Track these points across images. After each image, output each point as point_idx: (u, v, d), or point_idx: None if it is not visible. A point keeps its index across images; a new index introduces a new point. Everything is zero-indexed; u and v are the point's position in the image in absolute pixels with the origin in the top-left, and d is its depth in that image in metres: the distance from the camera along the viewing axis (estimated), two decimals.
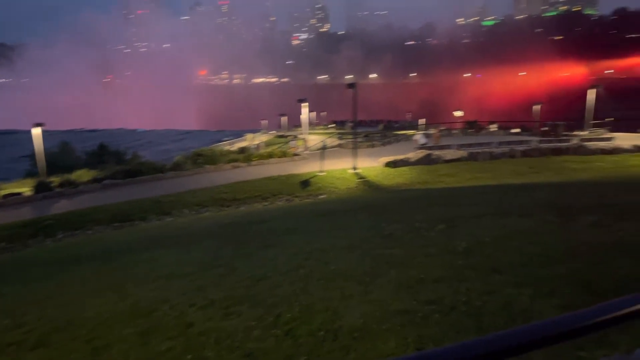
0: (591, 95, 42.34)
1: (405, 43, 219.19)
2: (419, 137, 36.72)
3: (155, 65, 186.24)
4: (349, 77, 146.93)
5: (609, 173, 23.49)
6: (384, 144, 42.27)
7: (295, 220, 14.54)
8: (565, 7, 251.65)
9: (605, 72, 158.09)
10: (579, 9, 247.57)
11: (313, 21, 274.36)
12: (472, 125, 53.68)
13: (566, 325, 1.39)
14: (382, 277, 6.72)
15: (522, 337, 1.32)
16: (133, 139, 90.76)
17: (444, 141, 38.44)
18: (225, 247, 10.74)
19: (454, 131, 52.17)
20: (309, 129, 44.09)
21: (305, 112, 40.39)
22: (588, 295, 5.11)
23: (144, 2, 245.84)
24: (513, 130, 49.83)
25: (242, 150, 38.74)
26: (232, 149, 41.63)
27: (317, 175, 28.43)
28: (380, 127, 64.12)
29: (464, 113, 62.33)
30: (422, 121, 63.40)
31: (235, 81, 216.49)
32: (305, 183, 26.91)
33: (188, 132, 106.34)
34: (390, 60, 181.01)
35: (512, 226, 9.14)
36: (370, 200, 18.82)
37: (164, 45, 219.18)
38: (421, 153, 31.67)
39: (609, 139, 35.34)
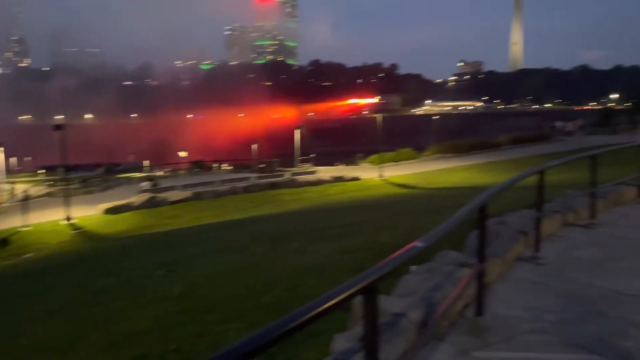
0: (297, 135, 48.40)
1: (123, 83, 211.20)
2: (144, 183, 35.56)
3: None
4: (59, 118, 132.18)
5: (314, 202, 26.96)
6: (103, 189, 39.14)
7: None
8: (271, 57, 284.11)
9: (309, 114, 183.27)
10: (283, 58, 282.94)
11: (9, 54, 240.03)
12: (197, 165, 54.66)
13: (252, 345, 1.62)
14: (86, 341, 6.02)
15: None
16: None
17: (170, 182, 37.99)
18: None
19: (180, 171, 52.14)
20: (9, 177, 37.70)
21: None
22: None
23: None
24: (227, 168, 52.98)
25: None
26: None
27: (20, 232, 24.34)
28: (100, 170, 59.48)
29: (190, 153, 63.13)
30: (146, 163, 61.40)
31: None
32: (4, 242, 22.68)
33: None
34: (108, 100, 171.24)
35: (227, 263, 9.47)
36: (85, 253, 17.00)
37: None
38: (145, 196, 30.50)
39: (313, 172, 40.78)
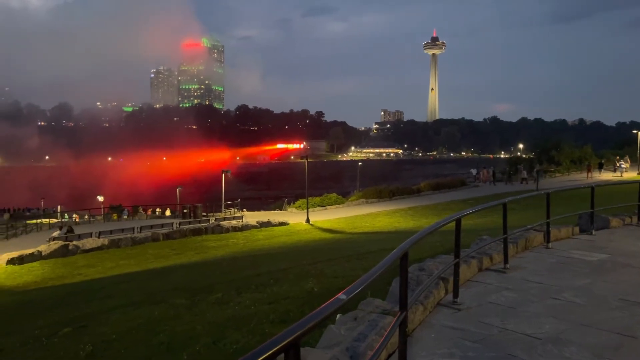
0: (223, 178, 47.75)
1: (39, 123, 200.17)
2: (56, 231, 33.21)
3: None
4: None
5: (240, 248, 26.32)
6: (8, 237, 36.09)
7: None
8: (198, 100, 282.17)
9: (236, 158, 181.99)
10: (209, 102, 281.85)
11: None
12: (116, 210, 52.18)
13: None
14: None
15: None
16: None
17: (86, 228, 35.77)
18: None
19: (98, 217, 49.46)
20: None
21: None
22: None
23: None
24: (149, 213, 51.43)
25: None
26: None
27: None
28: (6, 216, 55.53)
29: (110, 198, 60.54)
30: (61, 207, 58.12)
31: None
32: None
33: None
34: (20, 141, 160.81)
35: (144, 316, 8.90)
36: None
37: None
38: (56, 244, 28.35)
39: (239, 217, 40.05)
